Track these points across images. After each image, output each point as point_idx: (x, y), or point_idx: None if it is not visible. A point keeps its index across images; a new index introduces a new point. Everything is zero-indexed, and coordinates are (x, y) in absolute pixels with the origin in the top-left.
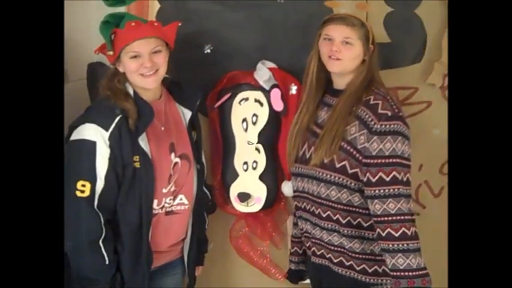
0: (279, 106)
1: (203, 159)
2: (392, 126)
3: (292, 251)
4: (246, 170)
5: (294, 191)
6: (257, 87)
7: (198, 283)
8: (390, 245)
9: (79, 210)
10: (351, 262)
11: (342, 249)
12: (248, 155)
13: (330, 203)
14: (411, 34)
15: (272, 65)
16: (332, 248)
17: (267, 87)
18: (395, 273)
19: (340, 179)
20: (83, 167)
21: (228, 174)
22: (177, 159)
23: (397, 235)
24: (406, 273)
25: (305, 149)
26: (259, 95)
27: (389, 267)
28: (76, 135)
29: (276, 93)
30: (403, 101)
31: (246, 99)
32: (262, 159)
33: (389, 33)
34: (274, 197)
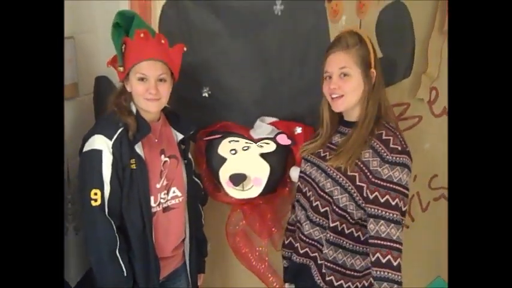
0: (286, 143)
1: (189, 156)
2: (401, 159)
3: (286, 242)
4: (234, 154)
5: (301, 172)
6: (252, 140)
7: None
8: (378, 272)
9: (95, 220)
10: (325, 271)
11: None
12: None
13: (330, 199)
14: (401, 43)
15: (272, 119)
16: (319, 246)
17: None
18: None
19: (347, 184)
20: (93, 176)
21: (214, 161)
22: (167, 159)
23: (383, 261)
24: None
25: (320, 151)
26: (253, 145)
27: None
28: (87, 147)
29: (282, 137)
30: (399, 117)
31: (237, 141)
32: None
33: (381, 43)
34: (278, 179)
